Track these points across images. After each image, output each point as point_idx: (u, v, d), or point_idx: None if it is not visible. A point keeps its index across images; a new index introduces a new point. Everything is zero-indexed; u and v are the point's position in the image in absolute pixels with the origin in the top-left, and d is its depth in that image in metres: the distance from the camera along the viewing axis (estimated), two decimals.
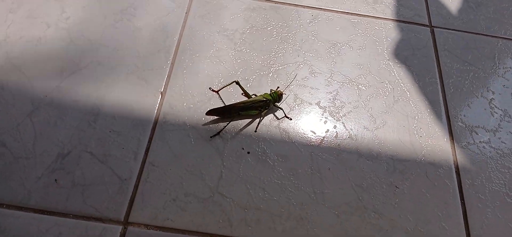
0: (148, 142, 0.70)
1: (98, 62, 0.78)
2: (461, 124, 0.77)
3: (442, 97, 0.81)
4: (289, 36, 0.87)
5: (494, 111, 0.80)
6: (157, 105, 0.74)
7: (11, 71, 0.75)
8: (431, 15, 0.93)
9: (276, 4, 0.92)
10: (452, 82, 0.83)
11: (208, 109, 0.73)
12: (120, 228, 0.62)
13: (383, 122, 0.76)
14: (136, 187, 0.65)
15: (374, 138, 0.74)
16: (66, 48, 0.79)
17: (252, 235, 0.63)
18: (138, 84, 0.76)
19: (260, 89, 0.78)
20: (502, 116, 0.79)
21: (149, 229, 0.62)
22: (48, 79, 0.75)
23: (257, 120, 0.74)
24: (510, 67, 0.86)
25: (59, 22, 0.83)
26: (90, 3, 0.87)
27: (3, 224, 0.60)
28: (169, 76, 0.78)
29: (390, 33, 0.89)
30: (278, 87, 0.78)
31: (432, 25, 0.92)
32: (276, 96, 0.75)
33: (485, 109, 0.80)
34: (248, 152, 0.71)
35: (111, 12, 0.86)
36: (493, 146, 0.75)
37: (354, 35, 0.88)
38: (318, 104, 0.78)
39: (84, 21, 0.84)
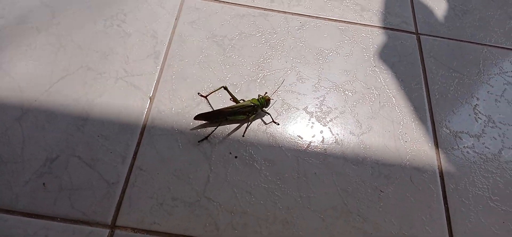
0: (136, 146, 0.70)
1: (88, 67, 0.79)
2: (445, 130, 0.79)
3: (427, 103, 0.82)
4: (277, 42, 0.88)
5: (478, 117, 0.81)
6: (146, 110, 0.75)
7: (0, 76, 0.76)
8: (417, 23, 0.95)
9: (265, 11, 0.93)
10: (437, 89, 0.84)
11: (197, 114, 0.73)
12: (107, 231, 0.62)
13: (369, 128, 0.77)
14: (123, 191, 0.66)
15: (360, 143, 0.75)
16: (56, 53, 0.80)
17: None
18: (127, 89, 0.77)
19: (248, 94, 0.79)
20: (486, 122, 0.81)
21: (136, 232, 0.63)
22: (38, 84, 0.76)
23: (245, 125, 0.75)
24: (495, 74, 0.88)
25: (49, 27, 0.84)
26: (81, 9, 0.88)
27: None
28: (158, 81, 0.79)
29: (377, 40, 0.90)
30: (266, 93, 0.79)
31: (419, 32, 0.93)
32: (264, 102, 0.76)
33: (469, 114, 0.81)
34: (236, 157, 0.71)
35: (101, 17, 0.87)
36: (477, 151, 0.77)
37: (341, 42, 0.89)
38: (305, 109, 0.79)
39: (74, 26, 0.85)
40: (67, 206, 0.64)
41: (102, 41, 0.83)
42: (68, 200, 0.64)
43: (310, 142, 0.74)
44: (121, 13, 0.88)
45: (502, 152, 0.77)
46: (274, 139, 0.74)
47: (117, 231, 0.62)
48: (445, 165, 0.74)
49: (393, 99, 0.82)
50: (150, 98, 0.76)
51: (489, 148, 0.77)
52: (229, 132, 0.74)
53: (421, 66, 0.87)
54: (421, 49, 0.90)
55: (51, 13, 0.86)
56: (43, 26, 0.84)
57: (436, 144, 0.77)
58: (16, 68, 0.77)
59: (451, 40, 0.93)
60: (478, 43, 0.93)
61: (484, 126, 0.80)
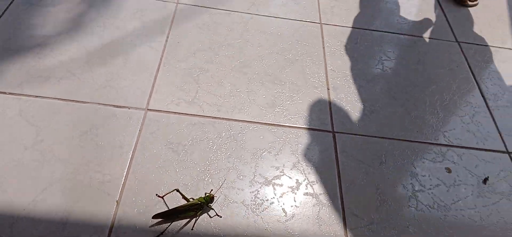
0: None
1: (67, 178, 0.98)
2: (352, 213, 1.01)
3: (339, 191, 1.04)
4: (222, 145, 1.10)
5: (379, 200, 1.04)
6: (113, 212, 0.94)
7: None
8: (334, 123, 1.19)
9: (213, 119, 1.16)
10: (348, 179, 1.07)
11: (154, 213, 0.93)
12: None
13: (292, 215, 0.99)
14: None
15: (286, 228, 0.96)
16: (40, 167, 0.99)
17: None
18: (98, 194, 0.96)
19: (197, 192, 1.00)
20: (384, 203, 1.04)
21: None
22: (25, 195, 0.94)
23: (194, 220, 0.95)
24: (393, 163, 1.12)
25: (34, 144, 1.03)
26: (61, 126, 1.08)
27: None
28: (123, 186, 0.98)
29: (301, 139, 1.14)
30: (211, 190, 1.00)
31: (334, 130, 1.18)
32: (209, 199, 0.96)
33: (372, 198, 1.04)
34: None
35: (78, 133, 1.07)
36: (377, 229, 0.99)
37: (273, 142, 1.12)
38: (242, 202, 1.00)
39: (55, 142, 1.04)
40: None
41: (79, 153, 1.03)
42: None
43: (246, 231, 0.95)
44: (94, 127, 1.09)
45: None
46: (217, 230, 0.94)
47: None
48: None
49: (312, 189, 1.04)
50: (117, 202, 0.96)
51: (385, 225, 1.00)
52: (181, 226, 0.94)
53: (335, 160, 1.11)
54: (336, 145, 1.14)
55: (35, 132, 1.06)
56: (29, 143, 1.04)
57: (345, 225, 0.98)
58: (7, 182, 0.96)
59: (360, 136, 1.17)
60: (382, 137, 1.18)
61: (384, 207, 1.03)
